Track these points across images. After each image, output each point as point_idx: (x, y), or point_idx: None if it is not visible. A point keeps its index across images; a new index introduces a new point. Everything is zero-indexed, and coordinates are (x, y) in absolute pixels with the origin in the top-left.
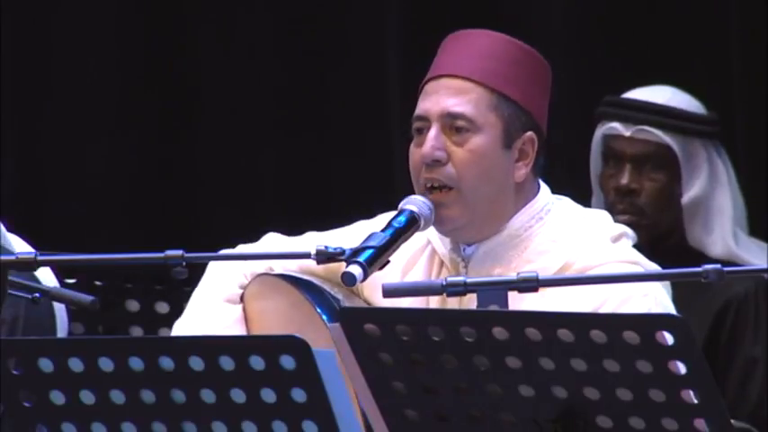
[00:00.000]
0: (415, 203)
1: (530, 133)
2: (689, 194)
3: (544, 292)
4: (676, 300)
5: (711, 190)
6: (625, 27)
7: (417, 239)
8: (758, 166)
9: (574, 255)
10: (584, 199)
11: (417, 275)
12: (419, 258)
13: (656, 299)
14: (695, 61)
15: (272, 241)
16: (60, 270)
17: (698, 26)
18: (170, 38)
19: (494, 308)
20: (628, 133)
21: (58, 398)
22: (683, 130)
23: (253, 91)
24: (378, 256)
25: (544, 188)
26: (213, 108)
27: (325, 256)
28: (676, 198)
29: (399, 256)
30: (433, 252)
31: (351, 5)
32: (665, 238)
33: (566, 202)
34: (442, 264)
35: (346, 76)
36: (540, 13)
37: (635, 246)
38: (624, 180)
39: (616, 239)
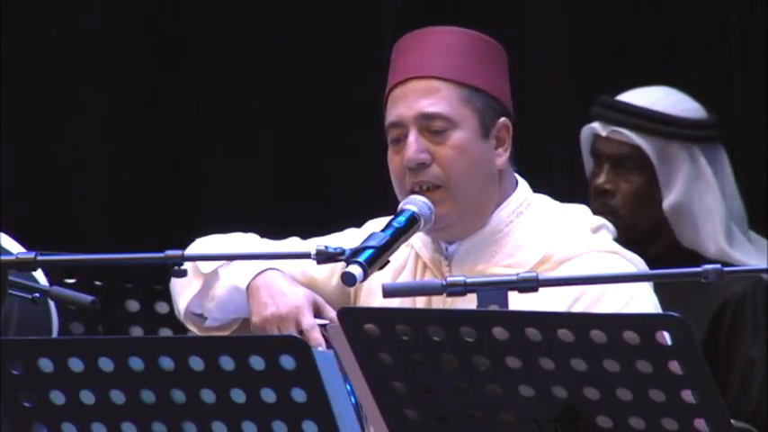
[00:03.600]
0: (415, 203)
1: (503, 119)
2: (668, 200)
3: None
4: (674, 300)
5: (694, 194)
6: (624, 27)
7: (404, 247)
8: (758, 165)
9: (553, 246)
10: (583, 200)
11: (405, 279)
12: (407, 264)
13: (634, 288)
14: (695, 61)
15: (255, 242)
16: (60, 270)
17: (698, 26)
18: (169, 37)
19: (494, 308)
20: (604, 133)
21: (58, 398)
22: (658, 133)
23: (251, 92)
24: (378, 256)
25: (522, 183)
26: (212, 108)
27: (325, 256)
28: (656, 201)
29: (391, 263)
30: (417, 256)
31: (348, 5)
32: (649, 239)
33: (544, 198)
34: (425, 266)
35: (343, 76)
36: (539, 13)
37: (615, 240)
38: (599, 180)
39: (595, 231)
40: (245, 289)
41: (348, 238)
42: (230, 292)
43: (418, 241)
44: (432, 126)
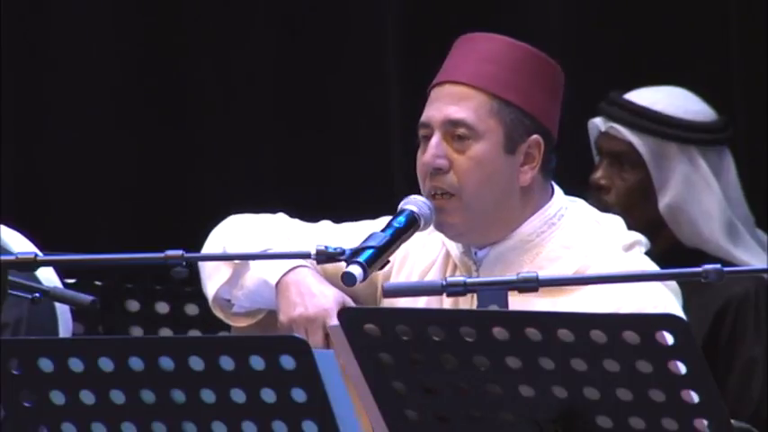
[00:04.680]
0: (414, 203)
1: (535, 137)
2: (663, 201)
3: (555, 301)
4: None
5: (691, 196)
6: (625, 27)
7: (435, 244)
8: (759, 165)
9: (585, 263)
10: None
11: (433, 278)
12: (436, 262)
13: (666, 308)
14: (695, 61)
15: (286, 224)
16: (60, 270)
17: (698, 27)
18: (169, 37)
19: (494, 308)
20: (603, 129)
21: (58, 398)
22: (652, 132)
23: (253, 90)
24: (378, 256)
25: (558, 192)
26: (213, 108)
27: (325, 256)
28: (652, 200)
29: (419, 260)
30: (447, 254)
31: (351, 5)
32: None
33: (580, 206)
34: (455, 266)
35: (346, 75)
36: (540, 13)
37: (647, 252)
38: (596, 175)
39: (629, 248)
40: (274, 285)
41: (381, 226)
42: (259, 285)
43: (451, 241)
44: (456, 132)
